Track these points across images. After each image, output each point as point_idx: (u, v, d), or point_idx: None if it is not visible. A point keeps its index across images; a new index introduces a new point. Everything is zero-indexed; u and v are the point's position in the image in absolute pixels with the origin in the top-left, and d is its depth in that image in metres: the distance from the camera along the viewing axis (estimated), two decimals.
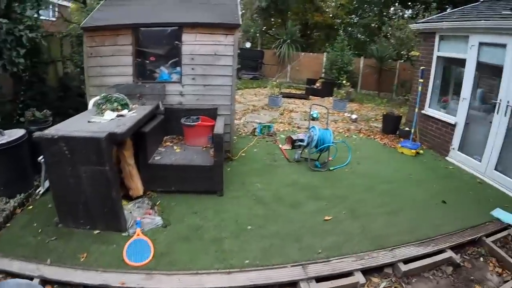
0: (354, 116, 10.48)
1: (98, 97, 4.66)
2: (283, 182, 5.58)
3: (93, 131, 3.63)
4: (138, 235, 3.85)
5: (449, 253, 3.93)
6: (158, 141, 5.38)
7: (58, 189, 3.83)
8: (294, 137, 7.12)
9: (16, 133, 4.51)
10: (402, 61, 14.91)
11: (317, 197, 5.15)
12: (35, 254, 3.53)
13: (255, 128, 8.23)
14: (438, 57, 7.60)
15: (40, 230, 3.92)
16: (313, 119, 9.67)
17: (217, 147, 4.70)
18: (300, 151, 6.53)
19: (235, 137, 7.17)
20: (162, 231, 4.05)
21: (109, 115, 4.21)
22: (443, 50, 7.49)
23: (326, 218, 4.54)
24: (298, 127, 9.15)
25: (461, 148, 6.88)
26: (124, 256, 3.54)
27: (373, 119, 10.80)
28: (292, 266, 3.58)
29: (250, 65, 17.97)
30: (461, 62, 6.83)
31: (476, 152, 6.44)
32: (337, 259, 3.73)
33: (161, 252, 3.67)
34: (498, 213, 4.77)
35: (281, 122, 9.57)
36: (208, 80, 5.77)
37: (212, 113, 5.67)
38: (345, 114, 11.13)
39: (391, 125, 8.96)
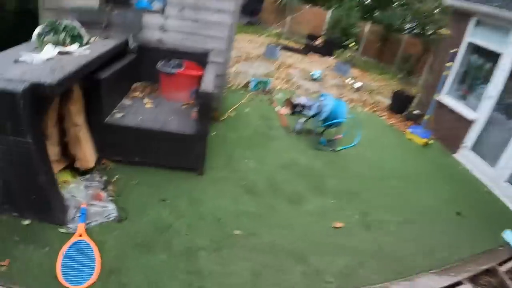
0: (358, 84, 9.06)
1: (43, 25, 3.16)
2: (279, 162, 4.41)
3: (10, 78, 2.23)
4: (80, 235, 2.66)
5: (467, 286, 3.18)
6: (123, 90, 4.00)
7: None
8: (295, 101, 5.87)
9: None
10: (408, 33, 13.52)
11: (322, 189, 4.04)
12: None
13: (249, 82, 6.84)
14: (469, 43, 6.30)
15: None
16: (314, 79, 8.46)
17: (203, 109, 3.39)
18: (303, 121, 5.30)
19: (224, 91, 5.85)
20: (115, 229, 2.84)
21: (48, 51, 2.77)
22: (477, 37, 6.15)
23: (337, 225, 3.47)
24: (298, 87, 7.81)
25: (474, 148, 5.77)
26: (57, 271, 2.37)
27: (375, 91, 9.47)
28: None
29: (247, 8, 16.01)
30: (495, 56, 5.56)
31: (490, 156, 5.35)
32: None
33: (109, 268, 2.50)
34: (508, 236, 3.97)
35: (278, 78, 8.14)
36: (200, 14, 4.27)
37: (200, 59, 4.26)
38: (347, 80, 9.75)
39: (400, 105, 7.76)
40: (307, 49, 12.76)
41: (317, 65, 9.92)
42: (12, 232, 2.63)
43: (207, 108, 3.36)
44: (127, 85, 4.13)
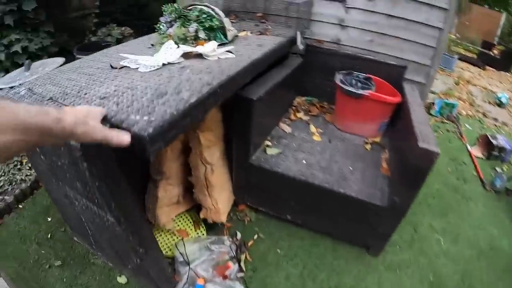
0: None
1: (167, 9, 2.08)
2: (476, 242, 2.77)
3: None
4: None
5: None
6: (281, 110, 2.92)
7: (54, 196, 1.89)
8: (493, 141, 4.02)
9: (48, 65, 2.64)
10: None
11: None
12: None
13: (432, 103, 5.00)
14: None
15: (49, 236, 2.24)
16: (499, 104, 5.99)
17: (415, 177, 1.89)
18: (506, 176, 3.48)
19: None
20: None
21: (165, 52, 1.76)
22: None
23: None
24: (484, 115, 5.42)
25: None
26: None
27: None
28: None
29: None
30: None
31: None
32: None
33: None
34: None
35: (459, 99, 5.88)
36: (400, 6, 2.90)
37: (392, 73, 2.90)
38: None
39: None
40: (483, 61, 10.29)
41: (496, 82, 7.45)
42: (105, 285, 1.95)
43: (422, 175, 1.86)
44: (287, 102, 3.04)
